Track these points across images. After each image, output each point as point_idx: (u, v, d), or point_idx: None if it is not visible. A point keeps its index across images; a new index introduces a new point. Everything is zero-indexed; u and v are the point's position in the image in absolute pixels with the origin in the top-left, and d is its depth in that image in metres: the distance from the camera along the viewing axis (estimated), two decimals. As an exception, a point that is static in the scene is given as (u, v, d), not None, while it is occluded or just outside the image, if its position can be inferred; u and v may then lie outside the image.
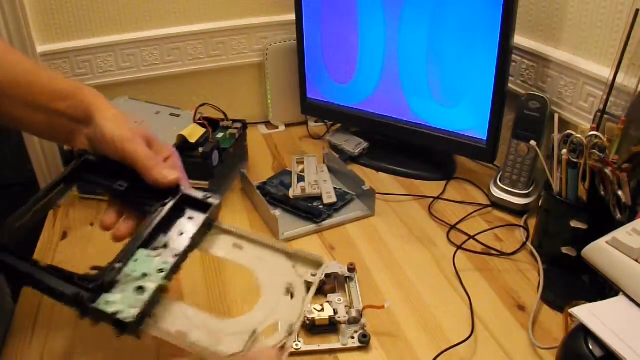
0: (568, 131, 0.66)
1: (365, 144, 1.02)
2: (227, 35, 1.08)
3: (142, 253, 0.45)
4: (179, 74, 1.08)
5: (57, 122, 0.52)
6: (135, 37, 1.02)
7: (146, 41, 1.03)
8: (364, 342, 0.59)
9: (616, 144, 0.65)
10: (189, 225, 0.49)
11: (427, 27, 0.86)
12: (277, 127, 1.16)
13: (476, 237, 0.78)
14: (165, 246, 0.47)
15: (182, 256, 0.46)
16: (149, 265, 0.44)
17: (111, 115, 0.51)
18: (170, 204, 0.49)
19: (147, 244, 0.46)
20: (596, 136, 0.63)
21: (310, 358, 0.59)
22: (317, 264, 0.48)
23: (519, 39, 0.90)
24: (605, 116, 0.69)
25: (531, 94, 0.80)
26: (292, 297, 0.46)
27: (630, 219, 0.61)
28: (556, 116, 0.71)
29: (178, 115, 0.92)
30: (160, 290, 0.43)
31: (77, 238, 0.80)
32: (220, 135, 0.91)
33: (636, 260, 0.53)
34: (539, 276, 0.69)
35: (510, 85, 0.92)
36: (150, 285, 0.42)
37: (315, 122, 1.17)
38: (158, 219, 0.48)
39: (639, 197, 0.63)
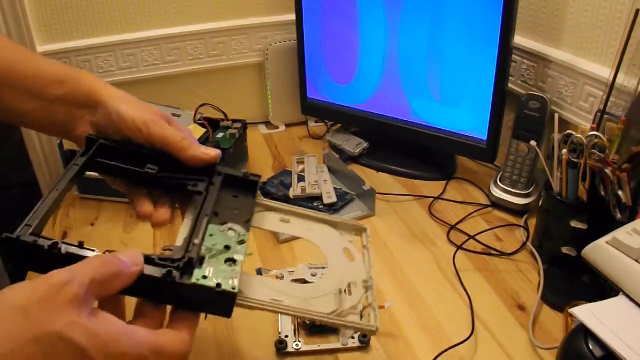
0: (568, 131, 0.66)
1: (365, 144, 1.02)
2: (227, 35, 1.08)
3: (213, 228, 0.44)
4: (179, 74, 1.08)
5: (54, 110, 0.50)
6: (135, 37, 1.02)
7: (146, 41, 1.03)
8: (364, 342, 0.59)
9: (616, 144, 0.65)
10: (236, 202, 0.48)
11: (427, 27, 0.86)
12: (277, 127, 1.16)
13: (476, 237, 0.78)
14: (225, 222, 0.46)
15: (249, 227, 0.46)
16: (226, 238, 0.43)
17: (122, 97, 0.49)
18: (218, 183, 0.48)
19: (211, 220, 0.45)
20: (596, 136, 0.63)
21: (310, 358, 0.59)
22: (360, 229, 0.52)
23: (519, 39, 0.90)
24: (605, 116, 0.69)
25: (531, 94, 0.80)
26: (350, 259, 0.49)
27: (630, 218, 0.61)
28: (556, 116, 0.71)
29: (178, 115, 0.92)
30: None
31: (77, 238, 0.79)
32: (220, 135, 0.91)
33: (636, 260, 0.53)
34: (539, 276, 0.69)
35: (510, 85, 0.92)
36: (239, 257, 0.42)
37: (315, 122, 1.17)
38: (214, 196, 0.47)
39: (639, 197, 0.63)
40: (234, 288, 0.39)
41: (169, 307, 0.40)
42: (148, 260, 0.38)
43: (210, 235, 0.43)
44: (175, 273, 0.38)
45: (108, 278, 0.34)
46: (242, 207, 0.48)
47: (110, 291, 0.35)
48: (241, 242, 0.44)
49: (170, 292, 0.38)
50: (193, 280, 0.38)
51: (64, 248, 0.38)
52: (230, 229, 0.45)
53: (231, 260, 0.41)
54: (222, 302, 0.39)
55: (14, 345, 0.29)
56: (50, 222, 0.81)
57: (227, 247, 0.43)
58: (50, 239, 0.38)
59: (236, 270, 0.40)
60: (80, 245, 0.39)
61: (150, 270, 0.38)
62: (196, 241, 0.41)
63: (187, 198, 0.48)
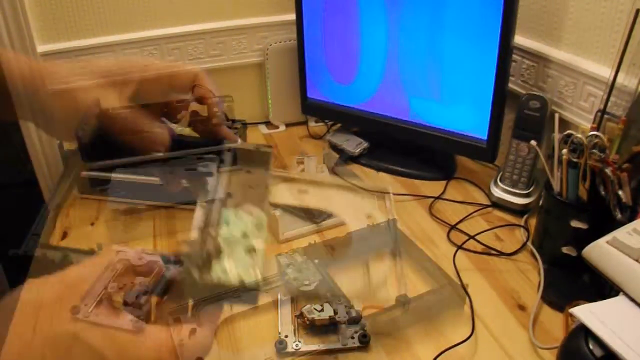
0: (568, 131, 0.66)
1: (365, 144, 1.02)
2: (227, 35, 1.08)
3: (228, 214, 0.43)
4: (179, 73, 1.08)
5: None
6: (135, 37, 1.02)
7: (146, 41, 1.03)
8: (364, 342, 0.59)
9: (616, 144, 0.65)
10: (250, 178, 0.47)
11: (427, 27, 0.86)
12: (277, 127, 1.16)
13: (476, 237, 0.78)
14: (240, 205, 0.44)
15: (266, 206, 0.45)
16: (242, 224, 0.42)
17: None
18: (229, 160, 0.46)
19: (225, 204, 0.44)
20: (596, 136, 0.63)
21: (310, 358, 0.59)
22: (383, 192, 0.49)
23: (519, 39, 0.90)
24: (606, 116, 0.69)
25: (531, 94, 0.80)
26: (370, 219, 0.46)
27: (631, 218, 0.61)
28: (556, 116, 0.71)
29: (178, 115, 0.92)
30: None
31: (77, 238, 0.80)
32: (220, 135, 0.91)
33: (636, 260, 0.53)
34: (539, 276, 0.69)
35: (510, 85, 0.92)
36: (260, 245, 0.41)
37: (316, 122, 1.17)
38: (226, 176, 0.45)
39: (639, 197, 0.63)
40: (257, 281, 0.38)
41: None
42: (165, 260, 0.37)
43: (227, 223, 0.42)
44: (195, 273, 0.37)
45: (142, 271, 0.34)
46: (257, 184, 0.46)
47: (132, 286, 0.34)
48: (259, 226, 0.42)
49: (192, 291, 0.37)
50: (214, 277, 0.37)
51: (74, 259, 0.38)
52: (244, 211, 0.43)
53: (251, 250, 0.40)
54: (247, 294, 0.39)
55: (29, 345, 0.28)
56: (51, 222, 0.81)
57: (245, 234, 0.41)
58: (58, 248, 0.37)
59: (258, 259, 0.39)
60: (91, 253, 0.38)
61: (169, 273, 0.37)
62: (212, 232, 0.40)
63: (197, 178, 0.46)
